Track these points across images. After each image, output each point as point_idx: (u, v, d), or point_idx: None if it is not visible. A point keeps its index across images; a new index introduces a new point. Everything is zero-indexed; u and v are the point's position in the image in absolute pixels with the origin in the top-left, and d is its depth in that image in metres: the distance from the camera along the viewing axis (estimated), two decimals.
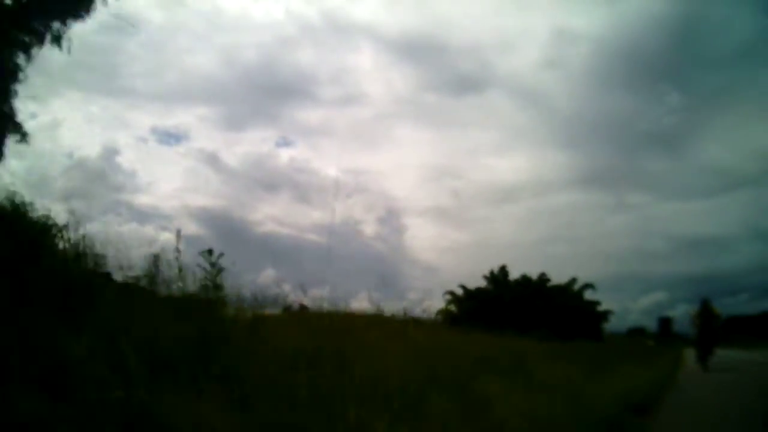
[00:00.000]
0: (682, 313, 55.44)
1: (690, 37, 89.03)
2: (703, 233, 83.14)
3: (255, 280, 8.30)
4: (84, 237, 5.59)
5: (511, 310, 32.41)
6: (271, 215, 58.77)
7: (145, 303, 5.26)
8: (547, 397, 6.11)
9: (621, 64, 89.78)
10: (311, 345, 5.10)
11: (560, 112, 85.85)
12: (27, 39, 10.25)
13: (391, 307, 9.54)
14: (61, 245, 5.56)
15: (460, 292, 37.26)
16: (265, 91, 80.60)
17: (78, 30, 10.56)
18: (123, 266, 5.47)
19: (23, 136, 10.70)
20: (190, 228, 17.52)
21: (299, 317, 7.63)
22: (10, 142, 10.63)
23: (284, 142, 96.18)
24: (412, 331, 7.87)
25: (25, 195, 6.72)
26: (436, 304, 33.11)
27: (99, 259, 5.55)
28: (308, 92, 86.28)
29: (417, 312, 10.63)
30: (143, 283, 5.58)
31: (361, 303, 8.41)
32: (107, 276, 5.55)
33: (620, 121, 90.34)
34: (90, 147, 64.57)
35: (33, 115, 15.89)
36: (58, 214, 5.98)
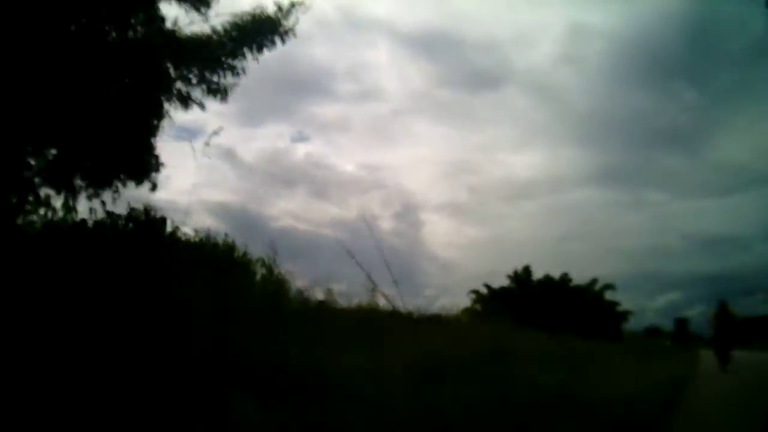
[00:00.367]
0: (697, 313, 55.72)
1: (706, 34, 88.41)
2: (719, 232, 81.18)
3: None
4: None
5: (535, 309, 33.75)
6: (288, 210, 59.83)
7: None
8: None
9: (637, 61, 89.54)
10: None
11: (576, 108, 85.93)
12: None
13: (407, 304, 10.89)
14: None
15: (484, 291, 38.82)
16: (281, 87, 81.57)
17: None
18: None
19: None
20: (207, 223, 19.04)
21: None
22: None
23: (300, 138, 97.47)
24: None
25: None
26: (452, 301, 33.26)
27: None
28: (324, 87, 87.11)
29: (435, 309, 11.66)
30: None
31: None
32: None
33: (636, 117, 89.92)
34: None
35: None
36: None
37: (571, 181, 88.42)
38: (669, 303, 72.99)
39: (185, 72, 9.12)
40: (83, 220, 8.06)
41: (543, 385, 6.68)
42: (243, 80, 9.48)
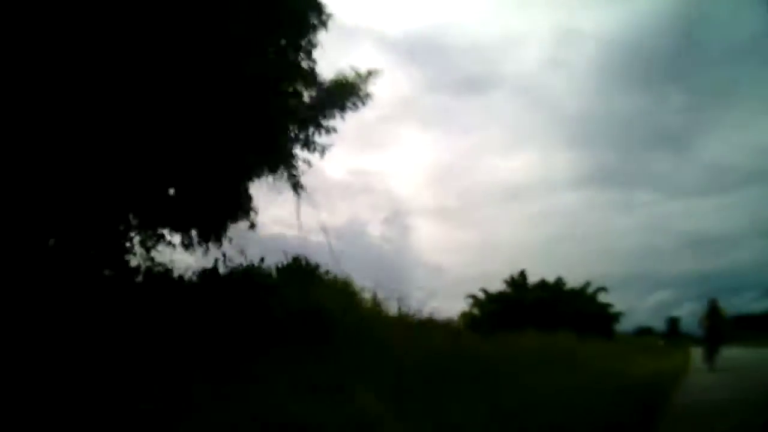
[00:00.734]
0: (688, 312, 56.64)
1: (694, 35, 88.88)
2: (709, 231, 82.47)
3: None
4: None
5: (532, 313, 35.16)
6: (276, 217, 60.20)
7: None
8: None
9: (625, 62, 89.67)
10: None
11: (566, 111, 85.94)
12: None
13: (394, 307, 11.73)
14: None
15: (481, 296, 39.33)
16: None
17: None
18: None
19: None
20: None
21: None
22: None
23: None
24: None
25: None
26: (441, 305, 34.20)
27: None
28: None
29: (425, 313, 12.03)
30: None
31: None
32: None
33: (626, 119, 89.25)
34: None
35: None
36: None
37: (561, 184, 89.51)
38: (659, 302, 74.54)
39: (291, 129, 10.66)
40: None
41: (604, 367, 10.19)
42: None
